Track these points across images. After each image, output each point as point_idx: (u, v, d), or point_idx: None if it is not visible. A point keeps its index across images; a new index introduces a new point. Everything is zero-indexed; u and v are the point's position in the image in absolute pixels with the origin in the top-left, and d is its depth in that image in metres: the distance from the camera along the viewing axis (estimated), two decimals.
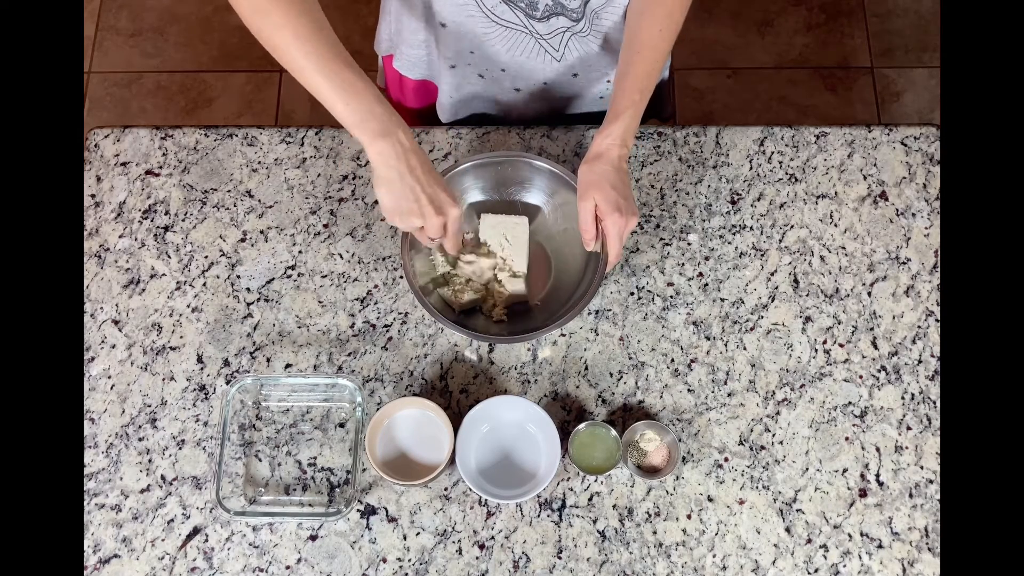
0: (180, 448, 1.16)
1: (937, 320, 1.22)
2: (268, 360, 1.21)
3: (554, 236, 1.23)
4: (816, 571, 1.10)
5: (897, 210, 1.28)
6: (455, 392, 1.19)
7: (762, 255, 1.26)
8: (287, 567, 1.11)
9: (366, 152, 0.99)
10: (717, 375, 1.19)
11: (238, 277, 1.25)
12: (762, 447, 1.16)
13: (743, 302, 1.23)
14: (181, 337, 1.22)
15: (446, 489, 1.14)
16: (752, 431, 1.16)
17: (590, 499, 1.14)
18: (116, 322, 1.23)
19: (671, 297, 1.23)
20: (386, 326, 1.22)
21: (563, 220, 1.22)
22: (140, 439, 1.17)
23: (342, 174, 1.31)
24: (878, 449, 1.16)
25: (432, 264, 1.19)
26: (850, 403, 1.18)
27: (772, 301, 1.23)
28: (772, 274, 1.25)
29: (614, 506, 1.13)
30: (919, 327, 1.21)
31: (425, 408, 1.14)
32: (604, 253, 1.13)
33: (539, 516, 1.13)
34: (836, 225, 1.27)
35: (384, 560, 1.11)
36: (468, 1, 1.15)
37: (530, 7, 1.15)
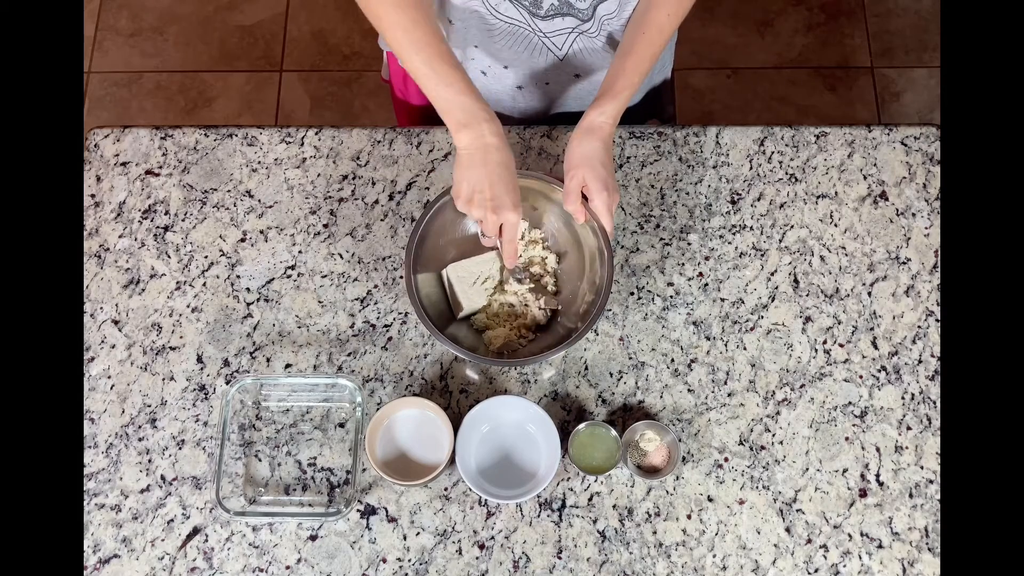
0: (180, 448, 1.16)
1: (937, 320, 1.22)
2: (268, 360, 1.20)
3: (559, 252, 1.22)
4: (816, 571, 1.10)
5: (897, 210, 1.28)
6: (455, 392, 1.19)
7: (762, 255, 1.26)
8: (287, 567, 1.11)
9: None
10: (717, 375, 1.19)
11: (238, 277, 1.25)
12: (762, 447, 1.16)
13: (743, 302, 1.23)
14: (181, 337, 1.22)
15: (446, 489, 1.14)
16: (752, 431, 1.16)
17: (590, 499, 1.14)
18: (116, 322, 1.23)
19: (671, 297, 1.23)
20: (386, 326, 1.22)
21: (567, 235, 1.21)
22: (140, 439, 1.17)
23: (342, 174, 1.31)
24: (878, 449, 1.16)
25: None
26: (850, 403, 1.18)
27: (772, 301, 1.23)
28: (772, 274, 1.24)
29: (614, 506, 1.13)
30: (919, 327, 1.21)
31: (425, 408, 1.14)
32: (607, 279, 1.12)
33: (539, 516, 1.13)
34: (836, 225, 1.27)
35: (384, 560, 1.11)
36: None
37: (534, 5, 1.16)
